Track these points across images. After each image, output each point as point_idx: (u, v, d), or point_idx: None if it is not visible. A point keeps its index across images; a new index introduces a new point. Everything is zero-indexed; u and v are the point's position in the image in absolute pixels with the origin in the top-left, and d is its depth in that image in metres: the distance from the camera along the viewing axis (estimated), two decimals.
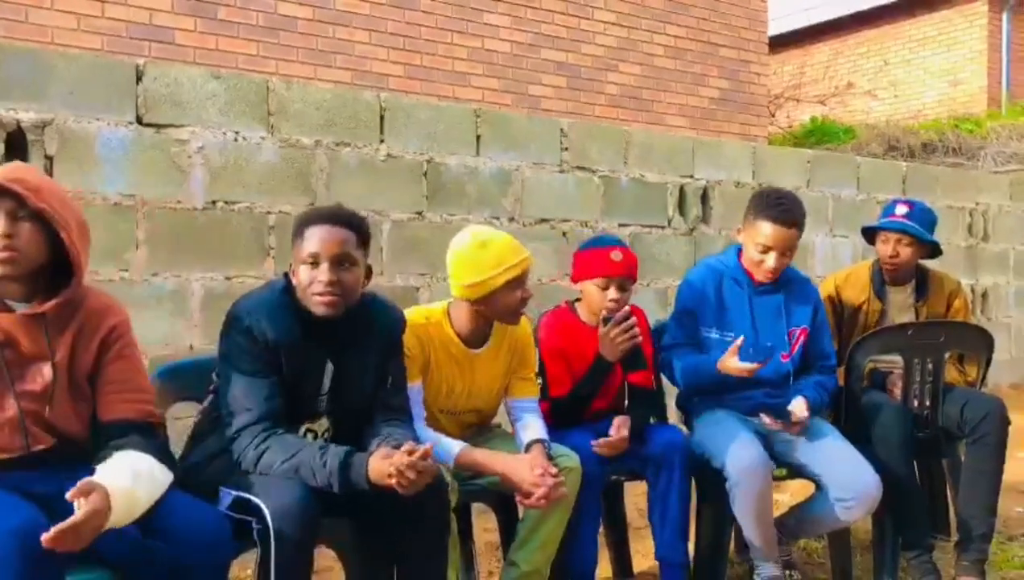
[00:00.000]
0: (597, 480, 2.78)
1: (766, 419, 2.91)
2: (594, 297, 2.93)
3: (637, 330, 2.87)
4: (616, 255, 2.89)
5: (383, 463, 2.08)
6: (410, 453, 2.05)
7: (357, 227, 2.30)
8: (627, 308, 2.89)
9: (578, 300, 3.07)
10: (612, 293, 2.89)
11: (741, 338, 2.88)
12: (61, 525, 1.66)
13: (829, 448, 2.92)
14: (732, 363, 2.87)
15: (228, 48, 6.05)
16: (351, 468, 2.11)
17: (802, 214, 3.02)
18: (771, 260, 2.97)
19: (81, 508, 1.70)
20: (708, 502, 2.98)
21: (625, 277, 2.92)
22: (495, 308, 2.63)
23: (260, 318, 2.20)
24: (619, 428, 2.85)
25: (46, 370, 1.98)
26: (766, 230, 2.96)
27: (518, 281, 2.60)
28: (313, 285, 2.22)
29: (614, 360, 2.90)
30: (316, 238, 2.24)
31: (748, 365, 2.85)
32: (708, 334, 3.07)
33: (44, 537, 1.64)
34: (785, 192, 3.09)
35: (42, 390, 1.98)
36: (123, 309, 2.16)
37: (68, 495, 1.71)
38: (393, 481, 2.06)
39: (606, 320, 2.88)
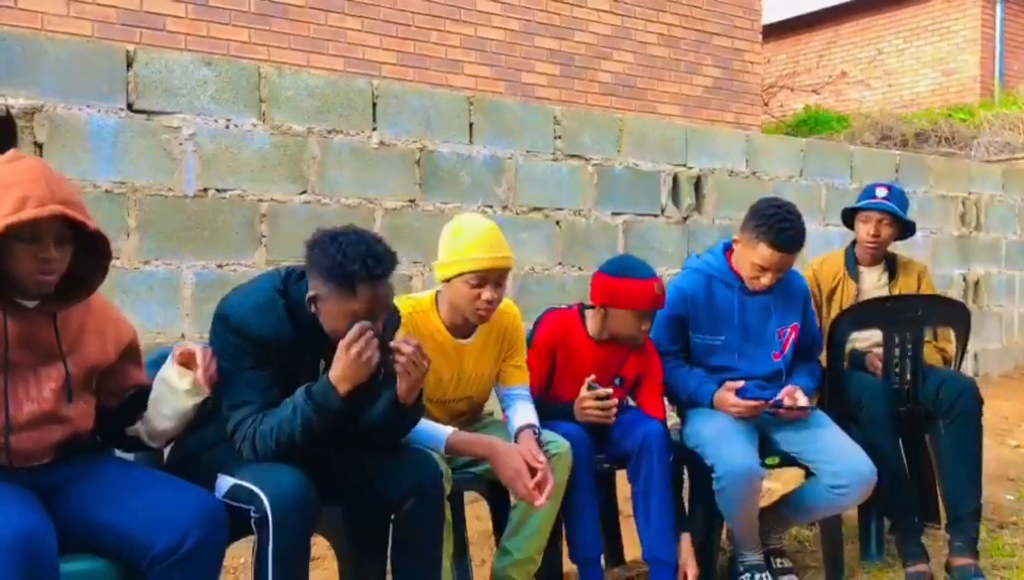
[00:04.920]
0: (589, 466, 2.76)
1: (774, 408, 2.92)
2: (626, 326, 2.87)
3: (613, 412, 2.84)
4: (659, 287, 2.85)
5: (342, 351, 2.10)
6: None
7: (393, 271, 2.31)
8: (609, 390, 2.84)
9: (591, 308, 2.97)
10: (646, 324, 2.88)
11: (741, 382, 2.91)
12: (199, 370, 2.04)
13: (822, 435, 2.93)
14: (729, 399, 2.90)
15: (220, 35, 6.01)
16: (315, 393, 2.11)
17: (804, 233, 2.94)
18: (767, 278, 2.96)
19: (197, 353, 2.05)
20: (700, 497, 2.98)
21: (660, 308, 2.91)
22: (454, 300, 2.61)
23: (248, 317, 2.18)
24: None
25: (59, 367, 1.99)
26: (767, 254, 2.90)
27: (477, 278, 2.53)
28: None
29: (581, 422, 2.86)
30: (369, 299, 2.12)
31: (747, 402, 2.88)
32: (697, 339, 3.07)
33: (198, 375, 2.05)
34: (787, 211, 2.92)
35: (59, 388, 1.98)
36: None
37: (177, 357, 2.06)
38: (354, 351, 2.07)
39: (590, 386, 2.84)
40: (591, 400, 2.83)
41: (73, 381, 2.01)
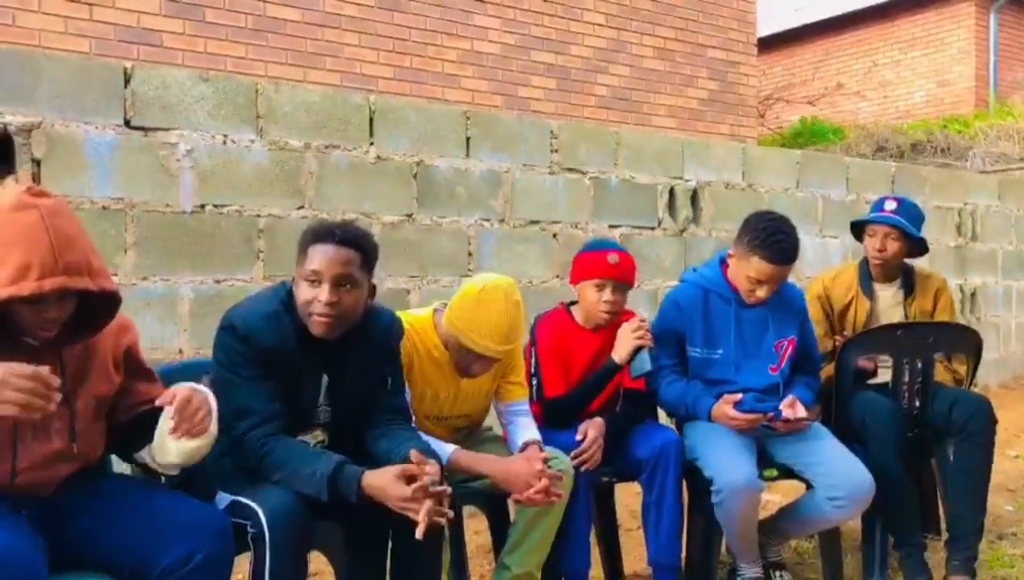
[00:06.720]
0: (587, 480, 2.77)
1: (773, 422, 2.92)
2: (589, 298, 2.95)
3: (648, 335, 2.92)
4: (613, 258, 2.93)
5: (392, 483, 2.07)
6: (435, 491, 2.06)
7: (362, 247, 2.26)
8: (642, 317, 2.97)
9: (574, 303, 3.08)
10: (607, 295, 2.92)
11: (739, 395, 2.91)
12: (175, 418, 1.88)
13: (821, 448, 2.93)
14: (728, 412, 2.89)
15: (216, 51, 6.03)
16: (340, 480, 2.10)
17: (797, 245, 2.94)
18: (763, 291, 2.96)
19: (177, 395, 1.89)
20: (699, 507, 2.98)
21: (620, 280, 2.95)
22: (448, 339, 2.62)
23: (256, 326, 2.20)
24: (585, 431, 2.82)
25: (65, 407, 1.91)
26: (762, 268, 2.90)
27: (475, 355, 2.57)
28: (313, 304, 2.20)
29: (622, 362, 2.91)
30: (319, 257, 2.20)
31: (745, 415, 2.88)
32: (693, 353, 3.06)
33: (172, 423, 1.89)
34: (780, 223, 2.93)
35: (65, 427, 1.93)
36: (130, 322, 2.16)
37: (159, 401, 1.90)
38: (392, 504, 2.06)
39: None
40: (631, 331, 2.91)
41: (80, 419, 1.96)
